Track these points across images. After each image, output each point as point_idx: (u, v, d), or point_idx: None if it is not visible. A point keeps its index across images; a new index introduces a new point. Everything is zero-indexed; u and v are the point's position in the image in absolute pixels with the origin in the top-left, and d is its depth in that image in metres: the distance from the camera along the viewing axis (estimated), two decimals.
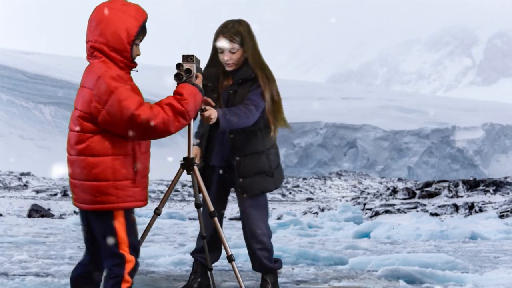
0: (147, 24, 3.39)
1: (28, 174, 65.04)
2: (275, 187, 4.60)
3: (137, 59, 3.39)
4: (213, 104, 3.93)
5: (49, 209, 25.27)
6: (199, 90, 3.38)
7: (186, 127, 3.72)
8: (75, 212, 25.87)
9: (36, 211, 22.61)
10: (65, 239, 10.72)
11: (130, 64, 3.33)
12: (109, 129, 3.21)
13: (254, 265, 4.71)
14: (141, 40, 3.39)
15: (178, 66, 3.56)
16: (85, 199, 3.26)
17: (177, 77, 3.54)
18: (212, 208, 3.70)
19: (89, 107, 3.20)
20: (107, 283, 3.30)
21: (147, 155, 3.38)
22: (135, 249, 3.35)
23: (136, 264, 3.34)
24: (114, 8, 3.28)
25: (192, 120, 3.66)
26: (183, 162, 3.76)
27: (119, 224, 3.27)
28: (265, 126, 4.51)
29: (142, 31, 3.34)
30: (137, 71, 3.53)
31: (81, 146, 3.23)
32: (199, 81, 3.55)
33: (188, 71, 3.55)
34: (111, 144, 3.21)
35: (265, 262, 4.63)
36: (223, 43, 4.38)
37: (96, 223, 3.31)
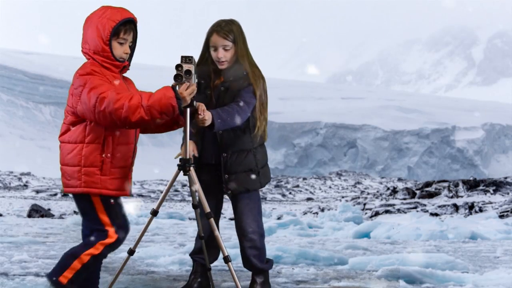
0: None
1: (28, 174, 65.03)
2: (260, 186, 4.57)
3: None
4: (201, 115, 3.90)
5: (49, 209, 25.27)
6: (177, 98, 3.38)
7: (187, 130, 3.71)
8: (75, 212, 25.87)
9: (36, 211, 22.62)
10: (65, 239, 10.72)
11: (114, 62, 3.53)
12: (85, 118, 3.46)
13: (243, 264, 4.72)
14: (127, 40, 3.55)
15: (178, 67, 3.54)
16: (63, 182, 3.56)
17: (177, 78, 3.53)
18: (208, 209, 3.69)
19: (71, 101, 3.49)
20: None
21: (123, 148, 3.53)
22: (120, 229, 3.52)
23: (116, 241, 3.51)
24: (94, 15, 3.54)
25: (188, 122, 3.64)
26: (179, 163, 3.75)
27: (99, 210, 3.49)
28: (253, 124, 4.55)
29: (122, 30, 3.52)
30: (128, 69, 3.60)
31: (64, 135, 3.53)
32: (184, 89, 3.49)
33: (188, 72, 3.53)
34: (85, 132, 3.46)
35: (254, 261, 4.61)
36: (217, 41, 4.40)
37: (76, 205, 3.59)
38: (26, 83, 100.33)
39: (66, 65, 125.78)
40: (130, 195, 3.62)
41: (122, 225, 3.53)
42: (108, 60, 3.51)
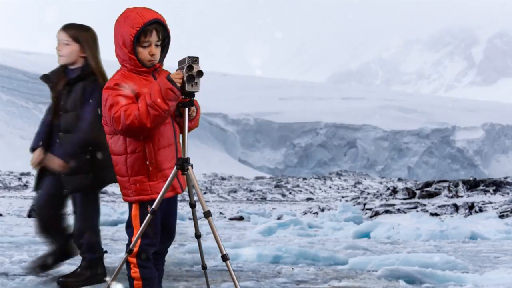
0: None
1: (28, 174, 65.01)
2: (95, 187, 4.85)
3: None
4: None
5: None
6: (170, 82, 3.43)
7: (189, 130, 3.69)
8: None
9: None
10: None
11: (142, 69, 3.59)
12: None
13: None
14: (151, 42, 3.56)
15: (189, 68, 3.50)
16: (120, 192, 3.69)
17: (190, 79, 3.50)
18: (206, 208, 3.68)
19: (103, 112, 3.60)
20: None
21: (165, 151, 3.61)
22: (147, 238, 3.63)
23: (140, 248, 3.62)
24: (117, 21, 3.57)
25: (187, 119, 3.62)
26: (178, 162, 3.72)
27: (134, 212, 3.62)
28: (86, 128, 4.74)
29: (142, 34, 3.52)
30: (156, 71, 3.67)
31: (109, 146, 3.65)
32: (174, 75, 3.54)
33: (200, 73, 3.52)
34: (124, 143, 3.55)
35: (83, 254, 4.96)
36: (58, 35, 4.71)
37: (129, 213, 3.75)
38: (26, 83, 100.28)
39: None
40: (182, 191, 3.72)
41: (149, 232, 3.64)
42: (136, 67, 3.58)
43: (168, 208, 3.75)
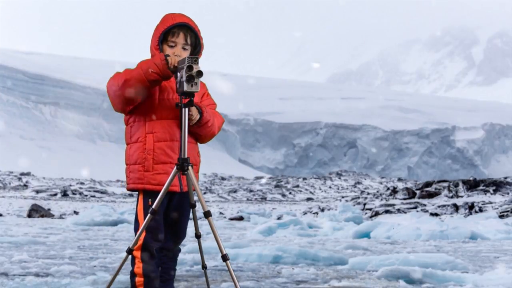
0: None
1: (28, 174, 65.01)
2: None
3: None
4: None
5: (49, 209, 25.26)
6: (165, 55, 3.53)
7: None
8: (75, 212, 25.86)
9: (36, 211, 22.61)
10: (65, 239, 10.73)
11: None
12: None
13: None
14: (177, 43, 3.70)
15: (189, 68, 3.50)
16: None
17: (190, 79, 3.50)
18: (206, 208, 3.68)
19: None
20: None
21: (165, 144, 3.68)
22: (150, 232, 3.67)
23: (144, 241, 3.66)
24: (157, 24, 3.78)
25: (186, 120, 3.62)
26: (178, 163, 3.72)
27: (139, 206, 3.71)
28: None
29: (170, 34, 3.69)
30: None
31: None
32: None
33: (200, 73, 3.51)
34: (130, 133, 3.72)
35: None
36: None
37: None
38: (26, 83, 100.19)
39: (66, 65, 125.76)
40: (180, 191, 3.70)
41: (154, 229, 3.65)
42: None
43: (179, 207, 3.80)
